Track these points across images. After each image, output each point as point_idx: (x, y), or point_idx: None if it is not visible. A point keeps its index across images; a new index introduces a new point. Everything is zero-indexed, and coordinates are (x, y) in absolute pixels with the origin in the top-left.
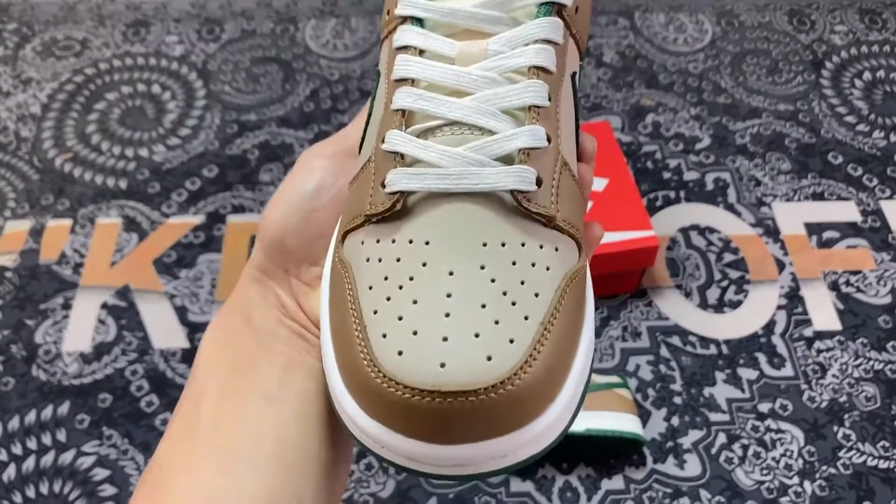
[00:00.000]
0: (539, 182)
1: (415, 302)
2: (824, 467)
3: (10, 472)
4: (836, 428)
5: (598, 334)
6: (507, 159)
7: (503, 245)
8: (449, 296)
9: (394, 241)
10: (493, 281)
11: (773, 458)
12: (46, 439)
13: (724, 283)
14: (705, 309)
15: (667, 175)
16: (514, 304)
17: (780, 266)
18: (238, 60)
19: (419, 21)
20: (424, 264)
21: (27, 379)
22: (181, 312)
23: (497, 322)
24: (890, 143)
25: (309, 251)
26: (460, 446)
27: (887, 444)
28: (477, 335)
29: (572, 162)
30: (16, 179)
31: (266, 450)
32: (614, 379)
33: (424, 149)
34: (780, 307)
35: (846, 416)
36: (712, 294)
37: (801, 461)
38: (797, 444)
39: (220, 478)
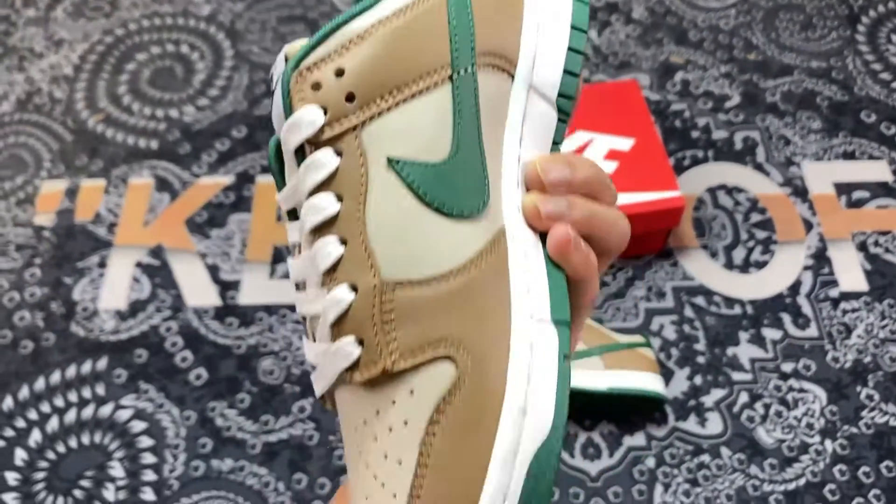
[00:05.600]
0: (361, 341)
1: None
2: (846, 427)
3: (54, 423)
4: (859, 388)
5: (622, 294)
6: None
7: (365, 423)
8: (354, 492)
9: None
10: (367, 467)
11: (795, 417)
12: (86, 393)
13: (751, 244)
14: (731, 269)
15: (695, 134)
16: (383, 485)
17: (808, 226)
18: (265, 20)
19: (293, 211)
20: (347, 461)
21: (66, 335)
22: (213, 271)
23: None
24: None
25: None
26: None
27: None
28: None
29: (417, 265)
30: (51, 140)
31: None
32: (637, 339)
33: (307, 352)
34: (806, 268)
35: (870, 376)
36: (738, 254)
37: (822, 420)
38: (819, 403)
39: None
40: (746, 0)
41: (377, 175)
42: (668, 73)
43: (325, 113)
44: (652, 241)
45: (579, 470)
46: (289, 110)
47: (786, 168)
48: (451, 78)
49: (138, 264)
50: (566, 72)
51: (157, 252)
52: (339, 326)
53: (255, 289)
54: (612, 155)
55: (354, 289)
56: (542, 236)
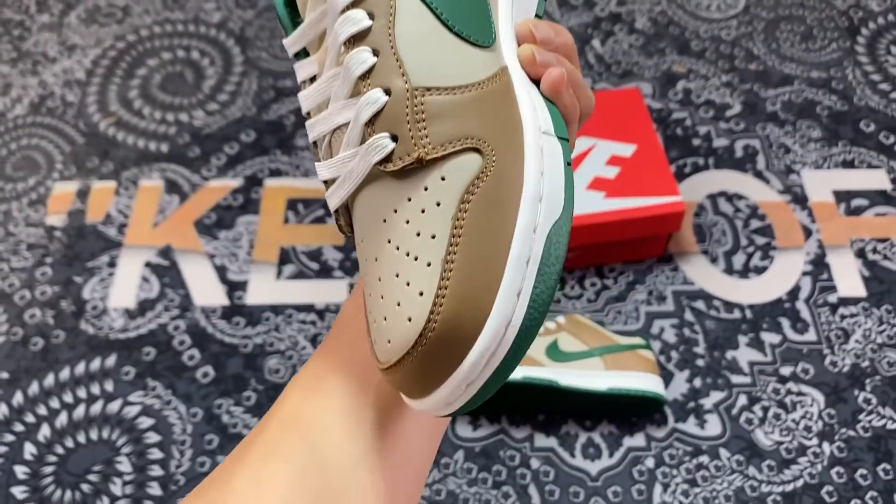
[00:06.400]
0: (395, 137)
1: (370, 295)
2: (843, 430)
3: (62, 418)
4: (856, 392)
5: (623, 298)
6: (355, 141)
7: (395, 211)
8: (379, 279)
9: (359, 244)
10: (398, 248)
11: (793, 420)
12: (95, 389)
13: (751, 249)
14: (731, 274)
15: (696, 142)
16: (416, 258)
17: (807, 233)
18: (274, 27)
19: (305, 51)
20: (366, 259)
21: (76, 332)
22: (221, 272)
23: (408, 283)
24: None
25: None
26: (434, 394)
27: None
28: (399, 304)
29: (442, 75)
30: (63, 143)
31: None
32: (638, 340)
33: (325, 169)
34: (805, 273)
35: (868, 380)
36: (738, 260)
37: (820, 423)
38: (817, 406)
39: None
40: (748, 11)
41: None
42: (670, 82)
43: None
44: (653, 246)
45: (579, 469)
46: None
47: (786, 176)
48: None
49: (147, 264)
50: None
51: (166, 252)
52: (372, 125)
53: (262, 289)
54: (614, 160)
55: (388, 92)
56: (535, 84)
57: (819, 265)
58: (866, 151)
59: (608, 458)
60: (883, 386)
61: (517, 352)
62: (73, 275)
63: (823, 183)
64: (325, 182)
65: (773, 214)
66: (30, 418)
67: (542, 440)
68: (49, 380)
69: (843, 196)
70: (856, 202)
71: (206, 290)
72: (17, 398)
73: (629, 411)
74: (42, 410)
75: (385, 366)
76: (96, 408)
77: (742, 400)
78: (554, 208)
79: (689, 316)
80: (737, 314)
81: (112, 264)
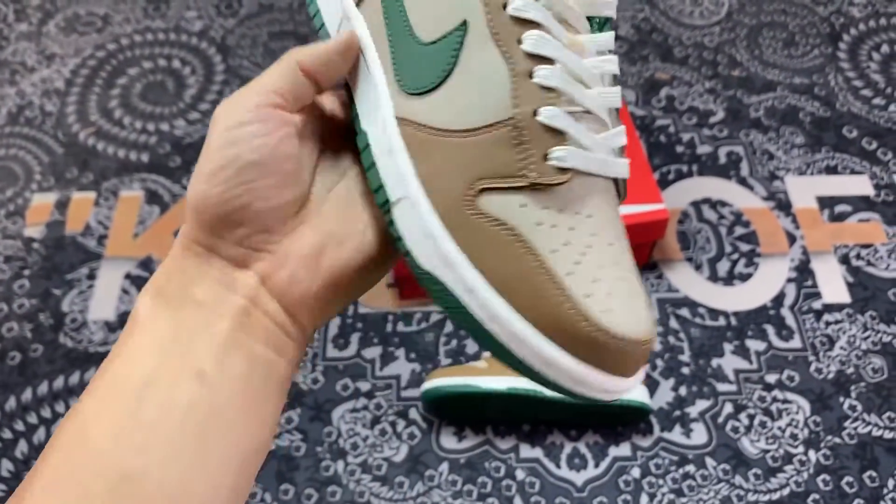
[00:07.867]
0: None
1: (600, 266)
2: (829, 437)
3: (41, 434)
4: (842, 399)
5: None
6: (617, 151)
7: (591, 216)
8: (616, 263)
9: (561, 211)
10: (626, 251)
11: (779, 428)
12: (74, 404)
13: (735, 256)
14: (715, 281)
15: (680, 149)
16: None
17: (791, 239)
18: (256, 35)
19: None
20: (593, 234)
21: (55, 346)
22: None
23: (642, 285)
24: None
25: (260, 220)
26: (626, 378)
27: (893, 415)
28: (640, 296)
29: None
30: (41, 153)
31: (189, 430)
32: None
33: (585, 134)
34: (789, 280)
35: (853, 387)
36: (722, 267)
37: (806, 431)
38: (803, 414)
39: (138, 456)
40: (731, 18)
41: None
42: (654, 89)
43: None
44: (637, 254)
45: (565, 480)
46: None
47: (769, 182)
48: None
49: (127, 276)
50: None
51: (146, 264)
52: (622, 148)
53: None
54: None
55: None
56: None
57: (803, 272)
58: (849, 157)
59: (594, 468)
60: (868, 392)
61: None
62: (52, 287)
63: (807, 189)
64: (551, 129)
65: (757, 221)
66: (7, 434)
67: (527, 451)
68: (27, 394)
69: (826, 202)
70: (839, 208)
71: None
72: None
73: (614, 421)
74: (20, 426)
75: (635, 337)
76: None
77: (728, 408)
78: None
79: (673, 323)
80: (722, 321)
81: (91, 276)
